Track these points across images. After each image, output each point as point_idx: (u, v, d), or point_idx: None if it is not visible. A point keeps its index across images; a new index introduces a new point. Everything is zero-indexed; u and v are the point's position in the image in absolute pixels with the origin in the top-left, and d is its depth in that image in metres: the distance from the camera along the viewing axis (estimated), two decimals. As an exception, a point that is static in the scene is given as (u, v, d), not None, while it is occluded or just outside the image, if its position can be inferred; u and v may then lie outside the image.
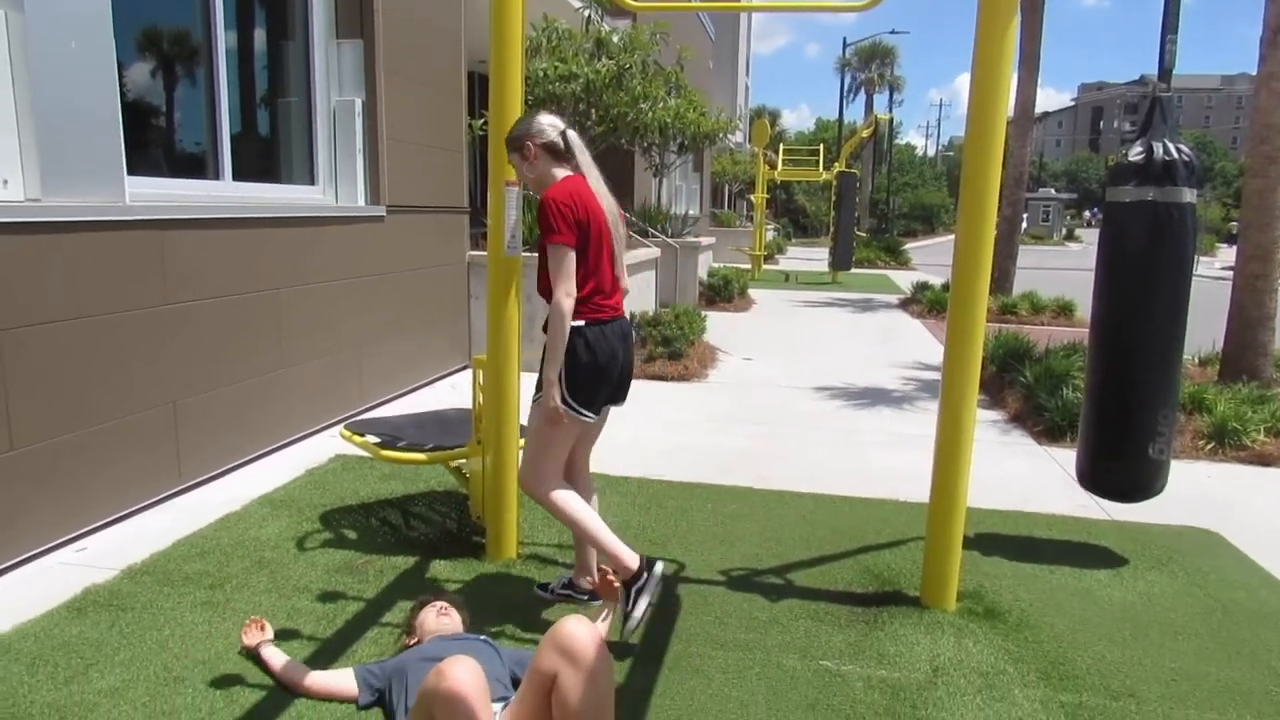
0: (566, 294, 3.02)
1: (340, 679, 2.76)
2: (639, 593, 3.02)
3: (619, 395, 3.31)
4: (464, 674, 2.09)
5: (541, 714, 2.23)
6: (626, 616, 3.00)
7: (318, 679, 2.77)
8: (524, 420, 3.48)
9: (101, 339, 4.08)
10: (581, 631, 2.24)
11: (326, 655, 3.03)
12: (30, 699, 2.73)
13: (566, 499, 3.21)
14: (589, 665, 2.19)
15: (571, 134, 3.22)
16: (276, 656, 2.89)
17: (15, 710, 2.67)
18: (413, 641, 2.92)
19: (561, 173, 3.20)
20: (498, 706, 2.36)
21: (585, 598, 3.47)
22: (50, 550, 3.88)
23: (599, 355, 3.11)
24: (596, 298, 3.13)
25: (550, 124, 3.20)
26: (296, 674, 2.79)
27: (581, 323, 3.08)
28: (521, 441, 3.50)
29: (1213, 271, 23.75)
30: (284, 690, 2.79)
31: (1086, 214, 60.11)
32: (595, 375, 3.13)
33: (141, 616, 3.28)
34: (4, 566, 3.68)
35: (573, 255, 3.04)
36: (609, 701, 2.23)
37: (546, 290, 3.13)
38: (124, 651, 3.02)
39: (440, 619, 2.93)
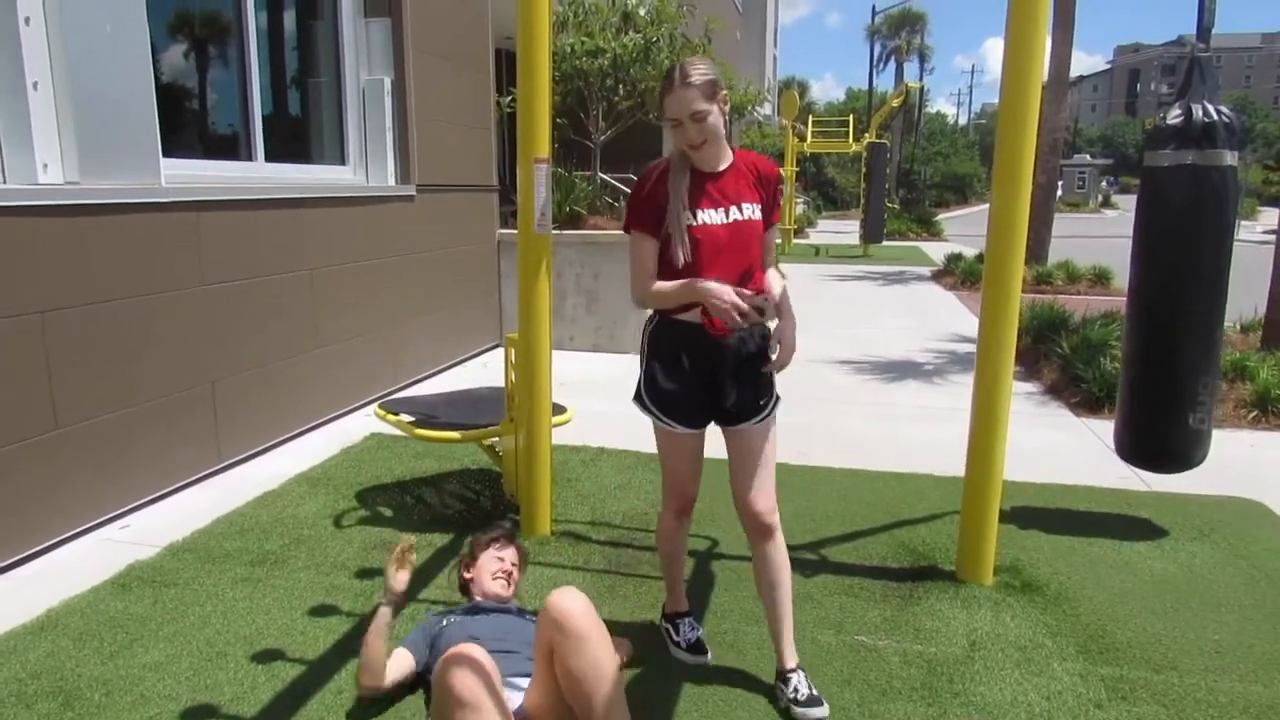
0: None
1: (403, 666, 2.66)
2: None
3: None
4: (467, 664, 2.17)
5: (555, 687, 2.29)
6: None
7: (390, 678, 2.62)
8: (557, 399, 3.42)
9: (140, 320, 4.14)
10: (566, 600, 2.30)
11: (363, 631, 3.07)
12: (78, 672, 2.79)
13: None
14: (577, 630, 2.24)
15: None
16: (380, 634, 2.62)
17: (64, 683, 2.73)
18: (469, 576, 2.95)
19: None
20: (525, 681, 2.42)
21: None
22: (95, 527, 3.96)
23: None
24: None
25: None
26: (376, 671, 2.59)
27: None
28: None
29: (1254, 236, 23.26)
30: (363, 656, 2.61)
31: (1104, 183, 58.10)
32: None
33: (184, 593, 3.34)
34: (51, 543, 3.76)
35: None
36: (605, 663, 2.26)
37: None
38: (167, 627, 3.08)
39: (495, 582, 2.89)
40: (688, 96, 2.50)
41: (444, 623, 2.77)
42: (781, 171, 2.71)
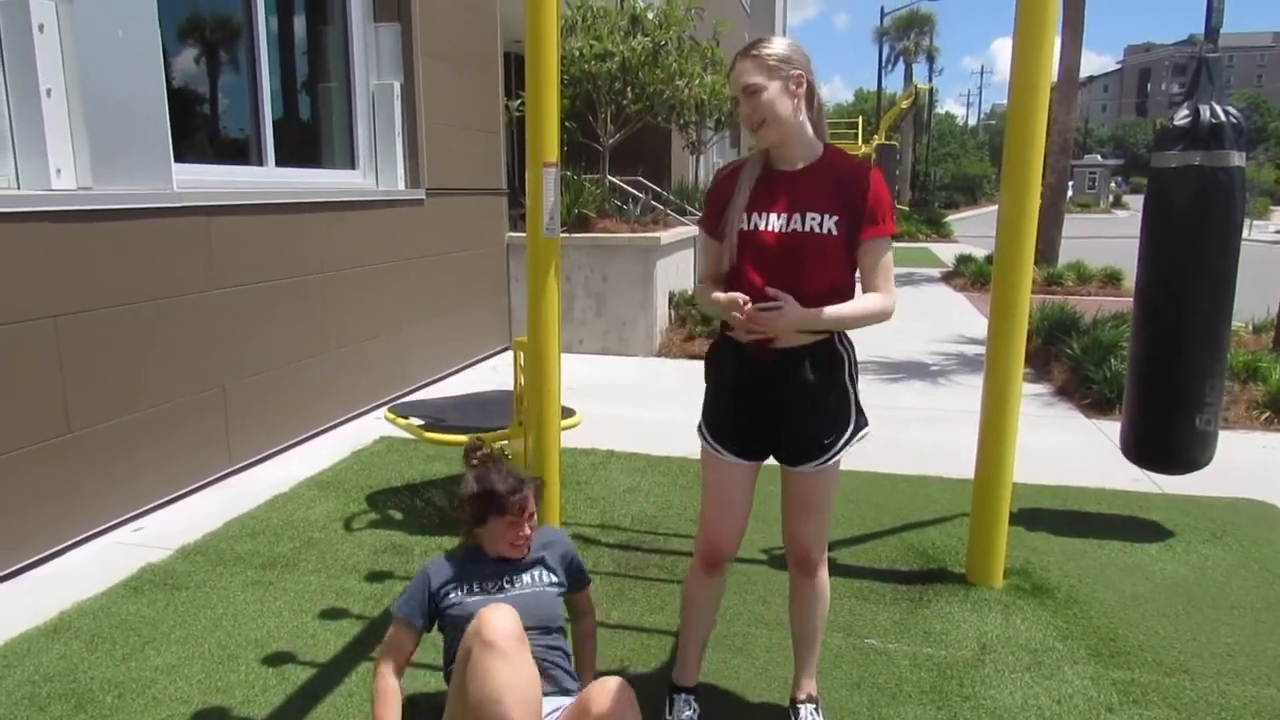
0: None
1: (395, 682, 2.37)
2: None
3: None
4: (501, 623, 2.08)
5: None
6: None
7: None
8: (565, 402, 3.32)
9: (152, 324, 4.16)
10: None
11: (374, 634, 3.08)
12: (90, 675, 2.81)
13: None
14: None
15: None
16: None
17: (76, 686, 2.75)
18: (477, 531, 2.49)
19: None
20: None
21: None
22: (108, 530, 3.98)
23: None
24: None
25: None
26: None
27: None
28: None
29: (1266, 236, 23.13)
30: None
31: (1114, 183, 57.56)
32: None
33: (195, 595, 3.36)
34: (64, 546, 3.78)
35: None
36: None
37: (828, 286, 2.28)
38: (179, 629, 3.10)
39: (511, 549, 2.45)
40: (741, 68, 2.24)
41: (449, 598, 2.41)
42: (877, 174, 2.35)
